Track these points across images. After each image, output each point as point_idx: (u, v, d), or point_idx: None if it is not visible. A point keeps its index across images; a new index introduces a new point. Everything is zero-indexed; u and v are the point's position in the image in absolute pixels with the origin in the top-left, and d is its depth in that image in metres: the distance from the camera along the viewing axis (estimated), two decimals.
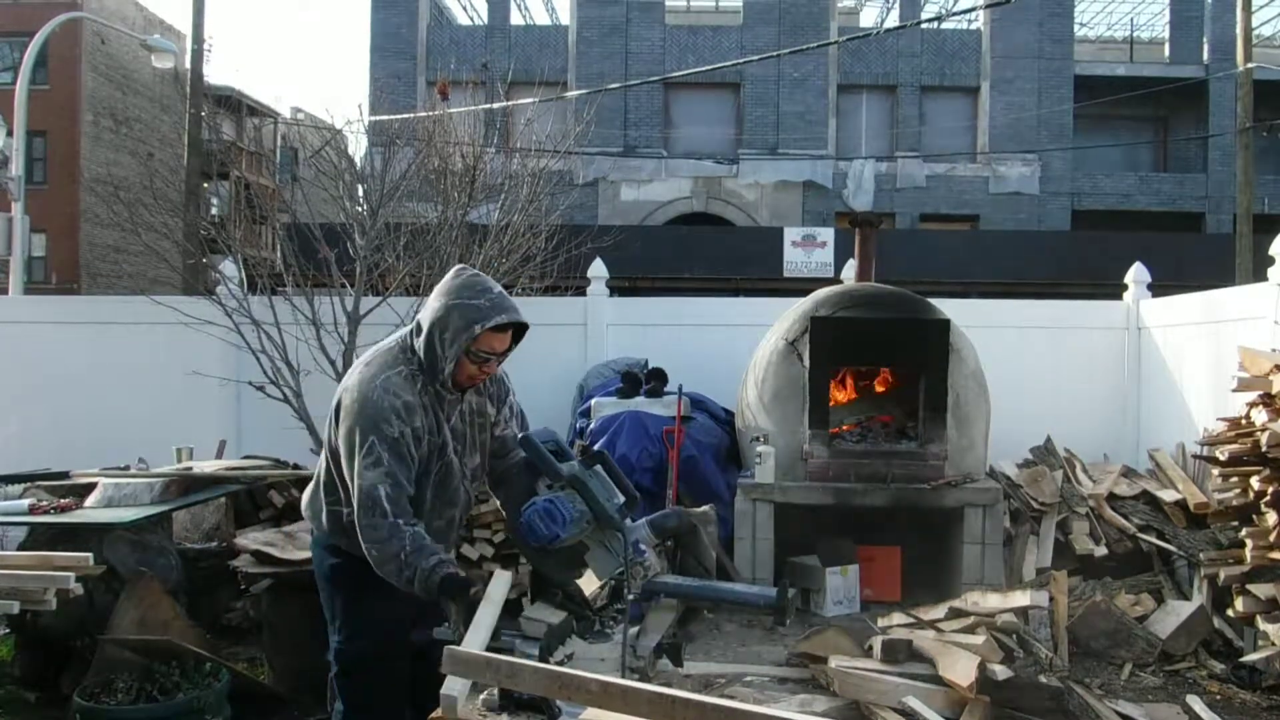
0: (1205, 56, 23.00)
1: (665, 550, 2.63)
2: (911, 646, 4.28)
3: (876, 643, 4.32)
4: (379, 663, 2.90)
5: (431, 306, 2.76)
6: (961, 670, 3.90)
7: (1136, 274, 7.91)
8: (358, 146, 10.99)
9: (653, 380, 6.86)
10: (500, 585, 2.47)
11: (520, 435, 2.54)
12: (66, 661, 4.55)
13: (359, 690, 2.92)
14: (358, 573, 2.81)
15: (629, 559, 2.40)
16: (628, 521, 2.48)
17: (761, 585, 5.91)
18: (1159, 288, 7.97)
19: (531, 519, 2.39)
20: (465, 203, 7.58)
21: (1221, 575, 4.88)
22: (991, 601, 4.94)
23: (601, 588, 2.53)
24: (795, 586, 6.02)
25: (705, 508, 4.03)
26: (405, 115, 10.81)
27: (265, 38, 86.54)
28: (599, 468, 2.52)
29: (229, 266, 7.64)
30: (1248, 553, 4.75)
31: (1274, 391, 4.71)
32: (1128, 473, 6.64)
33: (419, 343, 2.77)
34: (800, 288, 9.00)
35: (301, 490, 5.94)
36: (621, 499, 2.50)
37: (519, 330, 2.82)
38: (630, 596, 2.41)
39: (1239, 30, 14.69)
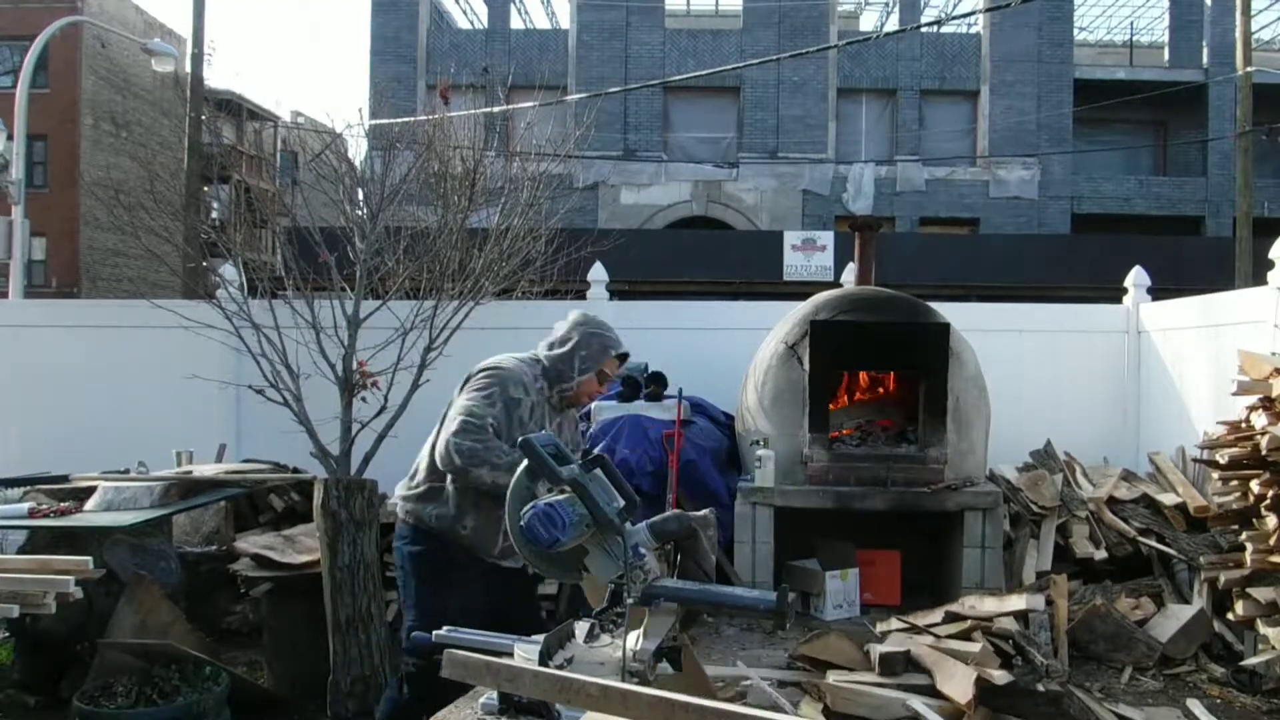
0: (1205, 60, 23.02)
1: (665, 554, 2.62)
2: (910, 656, 4.26)
3: (875, 653, 4.31)
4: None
5: (570, 334, 3.40)
6: (959, 686, 3.88)
7: (1136, 277, 7.92)
8: (358, 150, 10.99)
9: (652, 384, 6.86)
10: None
11: (520, 439, 2.54)
12: (66, 665, 4.55)
13: (426, 667, 3.10)
14: (437, 556, 3.25)
15: (629, 563, 2.40)
16: (627, 525, 2.48)
17: (762, 589, 5.91)
18: (1158, 291, 7.98)
19: (532, 524, 2.38)
20: (465, 206, 7.57)
21: (1221, 579, 4.89)
22: (988, 605, 4.94)
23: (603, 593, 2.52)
24: (795, 590, 6.05)
25: (705, 511, 4.05)
26: (405, 119, 10.82)
27: (265, 41, 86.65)
28: (598, 471, 2.52)
29: (229, 270, 7.64)
30: (1248, 556, 4.76)
31: (1274, 395, 4.71)
32: (1127, 476, 6.65)
33: (552, 355, 3.38)
34: (800, 291, 9.01)
35: (302, 494, 5.97)
36: (621, 503, 2.49)
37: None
38: (630, 601, 2.40)
39: (1238, 34, 14.71)
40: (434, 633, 2.55)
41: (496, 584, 3.29)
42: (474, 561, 3.26)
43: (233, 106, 28.21)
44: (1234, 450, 4.82)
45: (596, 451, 6.65)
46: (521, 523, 2.38)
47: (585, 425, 6.79)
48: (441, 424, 3.27)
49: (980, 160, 22.29)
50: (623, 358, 3.48)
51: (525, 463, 2.52)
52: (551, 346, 3.44)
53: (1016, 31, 21.99)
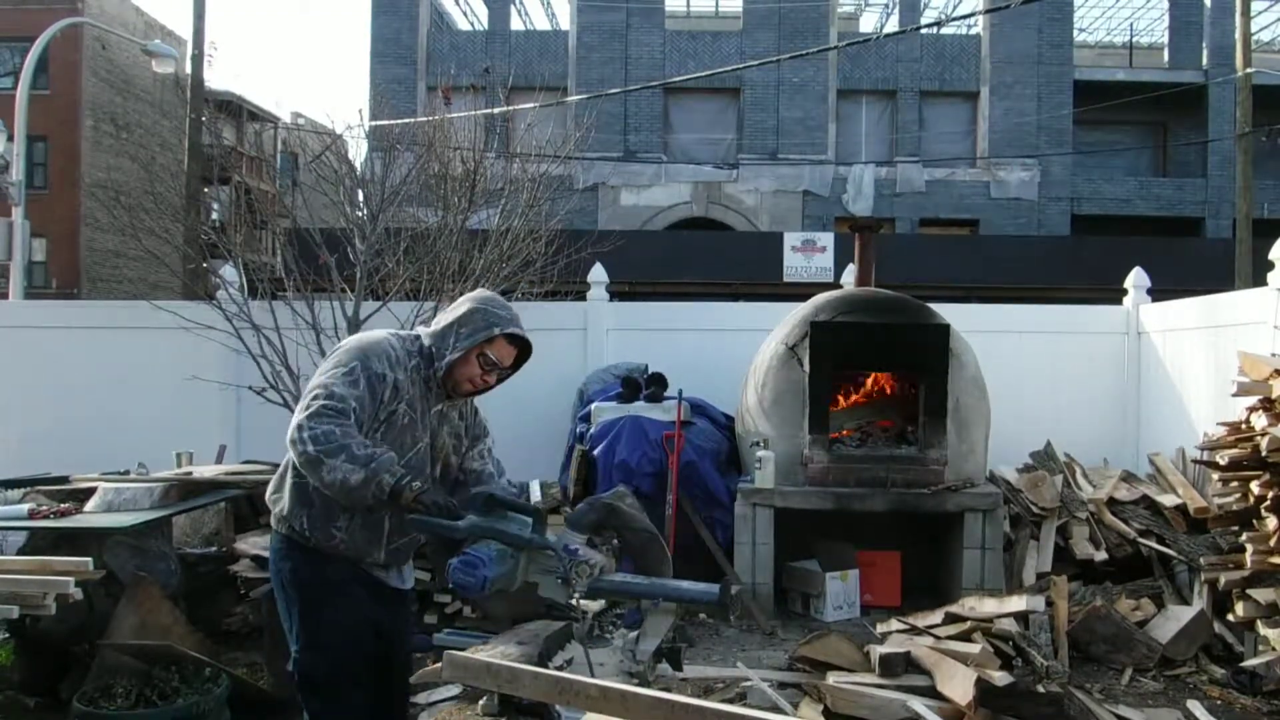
0: (1204, 61, 23.02)
1: (613, 549, 2.67)
2: (910, 657, 4.26)
3: (875, 654, 4.31)
4: (338, 673, 2.81)
5: (455, 308, 2.90)
6: (959, 687, 3.88)
7: (1136, 279, 7.92)
8: (358, 151, 11.03)
9: (652, 385, 6.86)
10: None
11: (409, 517, 2.62)
12: (66, 667, 4.54)
13: (319, 701, 2.83)
14: (316, 578, 2.82)
15: (568, 563, 2.46)
16: (549, 536, 2.56)
17: (761, 589, 5.92)
18: (1158, 292, 7.99)
19: (457, 579, 2.47)
20: (465, 208, 7.59)
21: (1222, 580, 4.88)
22: (988, 607, 4.94)
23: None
24: (794, 591, 6.05)
25: (619, 487, 4.18)
26: (405, 120, 10.83)
27: (266, 43, 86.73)
28: (499, 510, 2.63)
29: (229, 271, 7.65)
30: (1248, 557, 4.76)
31: (1274, 396, 4.71)
32: (1128, 477, 6.65)
33: (430, 331, 2.88)
34: (800, 293, 9.01)
35: None
36: (529, 520, 2.58)
37: (521, 356, 2.93)
38: (575, 595, 2.46)
39: (1238, 35, 14.72)
40: (434, 636, 2.57)
41: (378, 600, 2.91)
42: (355, 574, 2.85)
43: (233, 108, 28.19)
44: (1234, 451, 4.82)
45: (596, 453, 6.67)
46: (451, 584, 2.47)
47: (585, 427, 6.79)
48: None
49: (980, 161, 22.29)
50: (515, 341, 2.88)
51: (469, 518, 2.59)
52: (433, 324, 2.93)
53: (1016, 33, 21.98)
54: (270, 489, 2.95)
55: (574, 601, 2.48)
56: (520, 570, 2.51)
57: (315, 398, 2.66)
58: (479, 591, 2.41)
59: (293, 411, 5.46)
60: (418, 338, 2.89)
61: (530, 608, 2.56)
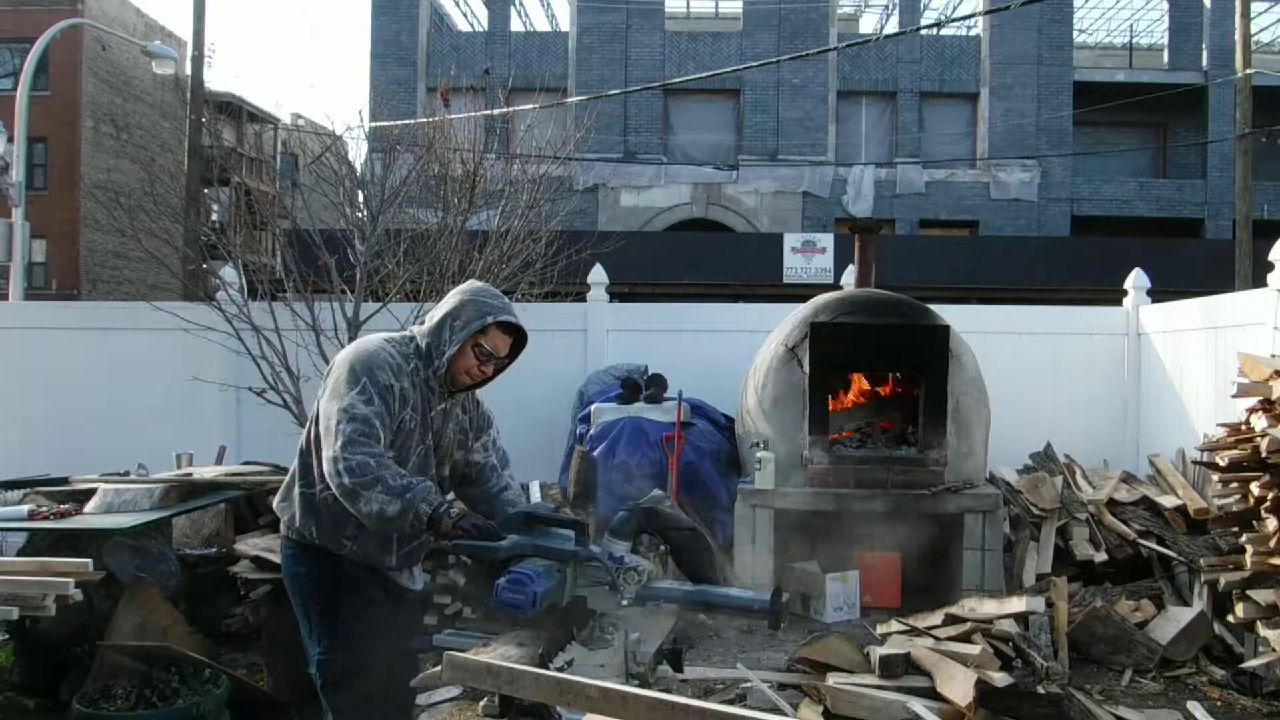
0: (1204, 63, 23.02)
1: (659, 555, 2.66)
2: (910, 659, 4.26)
3: (875, 655, 4.31)
4: (365, 669, 2.83)
5: (446, 302, 2.89)
6: (959, 688, 3.88)
7: (1136, 280, 7.93)
8: (358, 152, 11.03)
9: (652, 386, 6.87)
10: None
11: (452, 543, 2.63)
12: (66, 668, 4.54)
13: (347, 699, 2.85)
14: (330, 577, 2.86)
15: (616, 571, 2.46)
16: (592, 547, 2.54)
17: (758, 590, 5.92)
18: (1158, 294, 7.99)
19: (505, 599, 2.43)
20: (465, 209, 7.60)
21: (1222, 581, 4.88)
22: (988, 608, 4.93)
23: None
24: (795, 593, 6.05)
25: (654, 492, 4.13)
26: (405, 121, 10.83)
27: (266, 44, 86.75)
28: (539, 526, 2.63)
29: (229, 272, 7.66)
30: (1248, 558, 4.75)
31: (1274, 397, 4.71)
32: (1127, 478, 6.65)
33: (424, 329, 2.87)
34: (800, 294, 9.01)
35: None
36: (572, 533, 2.56)
37: (517, 345, 2.94)
38: (625, 603, 2.44)
39: (1238, 36, 14.72)
40: (434, 637, 2.57)
41: (393, 596, 2.95)
42: (371, 576, 2.89)
43: (233, 109, 28.19)
44: (1234, 452, 4.81)
45: (596, 454, 6.67)
46: (497, 607, 2.43)
47: (585, 428, 6.79)
48: (314, 425, 2.83)
49: (980, 162, 22.29)
50: (509, 330, 2.88)
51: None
52: (426, 321, 2.92)
53: (1016, 34, 21.99)
54: (278, 498, 2.98)
55: (624, 608, 2.47)
56: (569, 584, 2.49)
57: (341, 424, 2.64)
58: (531, 609, 2.37)
59: (292, 412, 5.46)
60: (411, 339, 2.89)
61: (580, 621, 2.54)
